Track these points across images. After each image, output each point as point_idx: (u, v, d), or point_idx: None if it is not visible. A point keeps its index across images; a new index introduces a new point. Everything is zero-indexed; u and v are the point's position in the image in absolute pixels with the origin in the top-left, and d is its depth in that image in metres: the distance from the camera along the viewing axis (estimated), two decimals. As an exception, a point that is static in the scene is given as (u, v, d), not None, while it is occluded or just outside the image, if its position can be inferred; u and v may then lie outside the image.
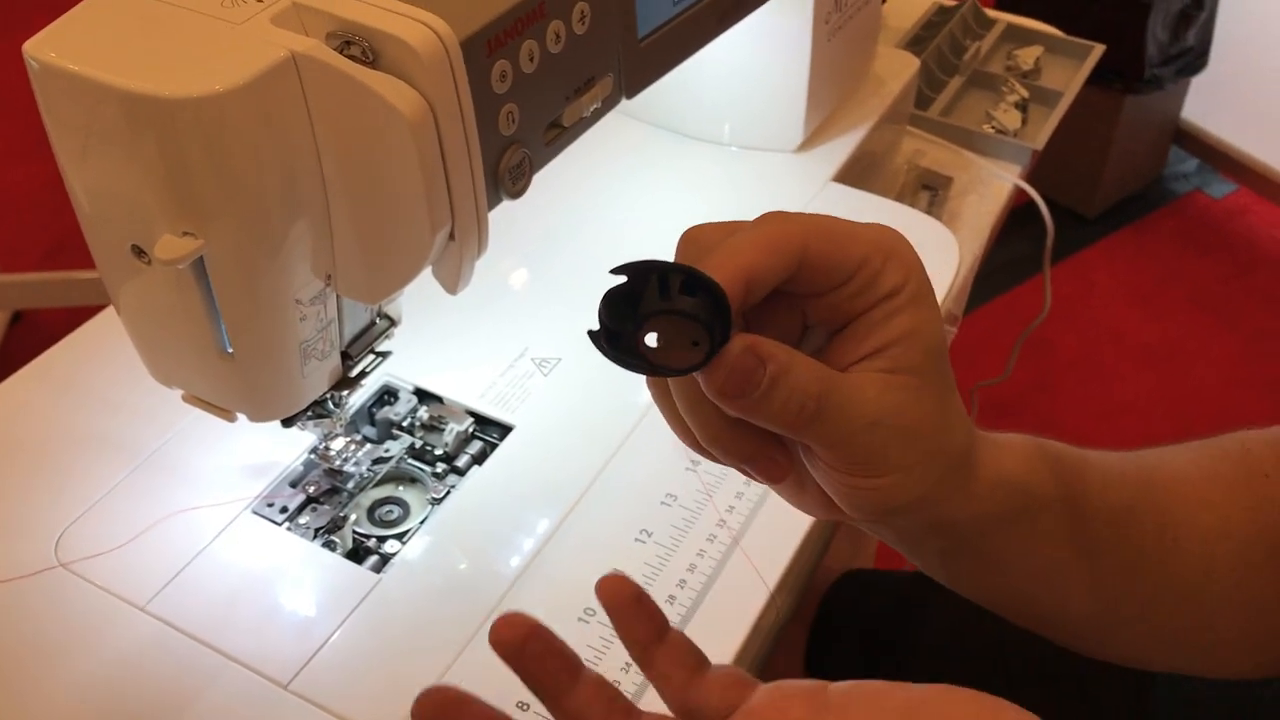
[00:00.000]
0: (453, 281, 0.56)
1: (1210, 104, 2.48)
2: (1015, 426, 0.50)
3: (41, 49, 0.48)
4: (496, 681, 0.41)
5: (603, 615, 0.44)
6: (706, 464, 0.65)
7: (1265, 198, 2.46)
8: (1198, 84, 2.44)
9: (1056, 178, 2.45)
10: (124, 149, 0.48)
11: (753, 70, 0.87)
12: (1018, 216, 1.11)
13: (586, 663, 0.40)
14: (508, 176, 0.56)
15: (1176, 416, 2.00)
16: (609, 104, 0.62)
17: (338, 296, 0.56)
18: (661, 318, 0.37)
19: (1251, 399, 2.03)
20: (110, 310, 0.76)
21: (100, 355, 0.75)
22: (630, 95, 0.64)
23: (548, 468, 0.69)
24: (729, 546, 0.65)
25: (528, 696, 0.42)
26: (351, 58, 0.49)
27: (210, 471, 0.68)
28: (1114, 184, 2.41)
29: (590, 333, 0.39)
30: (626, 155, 0.92)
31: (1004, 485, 0.46)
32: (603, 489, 0.68)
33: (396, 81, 0.49)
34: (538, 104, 0.57)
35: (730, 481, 0.68)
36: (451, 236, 0.54)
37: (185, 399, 0.59)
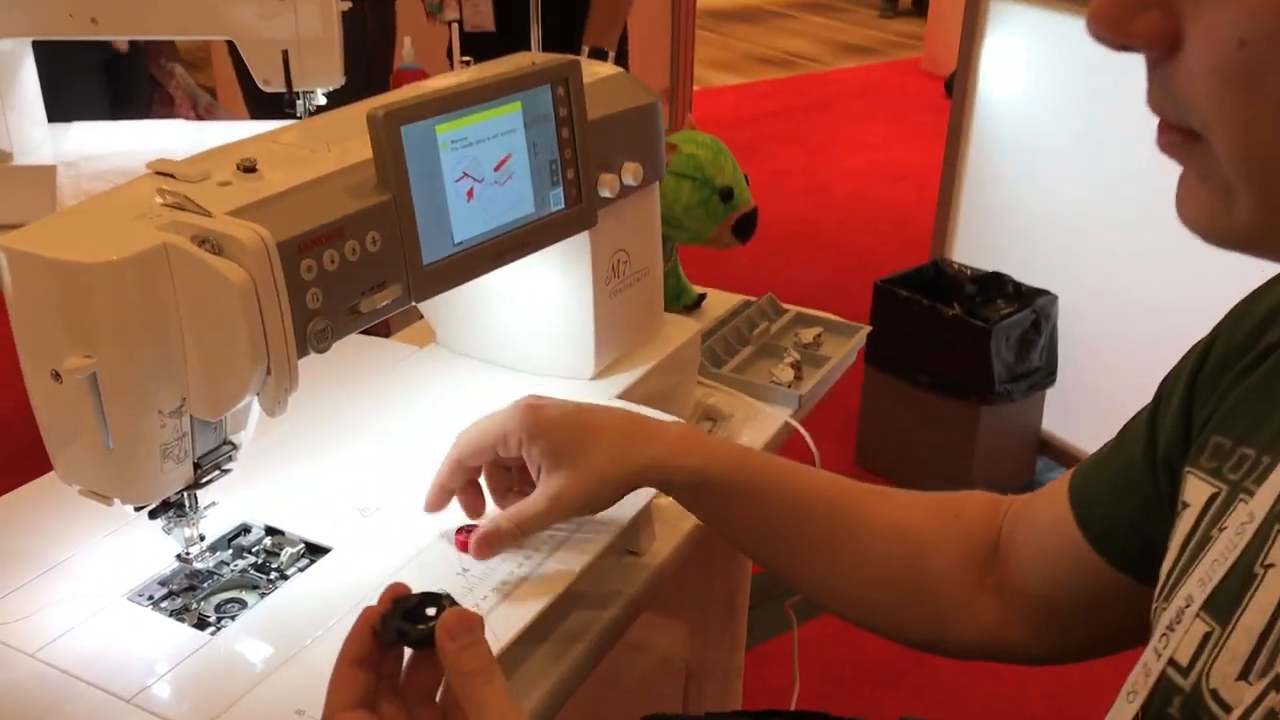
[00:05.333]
0: (270, 407, 0.83)
1: (1067, 416, 2.81)
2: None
3: (8, 242, 0.77)
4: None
5: None
6: (473, 568, 0.90)
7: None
8: (1053, 397, 2.78)
9: (932, 483, 2.74)
10: (50, 298, 0.76)
11: (551, 315, 1.17)
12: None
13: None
14: (313, 337, 0.84)
15: None
16: (399, 303, 0.91)
17: (191, 416, 0.83)
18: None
19: None
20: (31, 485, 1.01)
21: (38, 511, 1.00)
22: (418, 300, 0.93)
23: (350, 576, 0.92)
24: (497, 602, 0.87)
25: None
26: (205, 248, 0.78)
27: (99, 572, 0.91)
28: (985, 488, 2.69)
29: (389, 630, 0.68)
30: (458, 378, 1.20)
31: (685, 470, 0.89)
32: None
33: (231, 264, 0.77)
34: (337, 293, 0.86)
35: (486, 582, 0.91)
36: (269, 372, 0.81)
37: (81, 493, 0.83)
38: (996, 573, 0.86)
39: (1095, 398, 2.74)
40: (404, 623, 0.68)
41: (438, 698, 0.69)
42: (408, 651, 0.70)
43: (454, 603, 0.70)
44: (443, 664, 0.66)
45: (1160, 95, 0.49)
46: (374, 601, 0.71)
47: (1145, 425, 0.75)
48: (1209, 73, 0.46)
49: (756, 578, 1.63)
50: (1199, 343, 0.70)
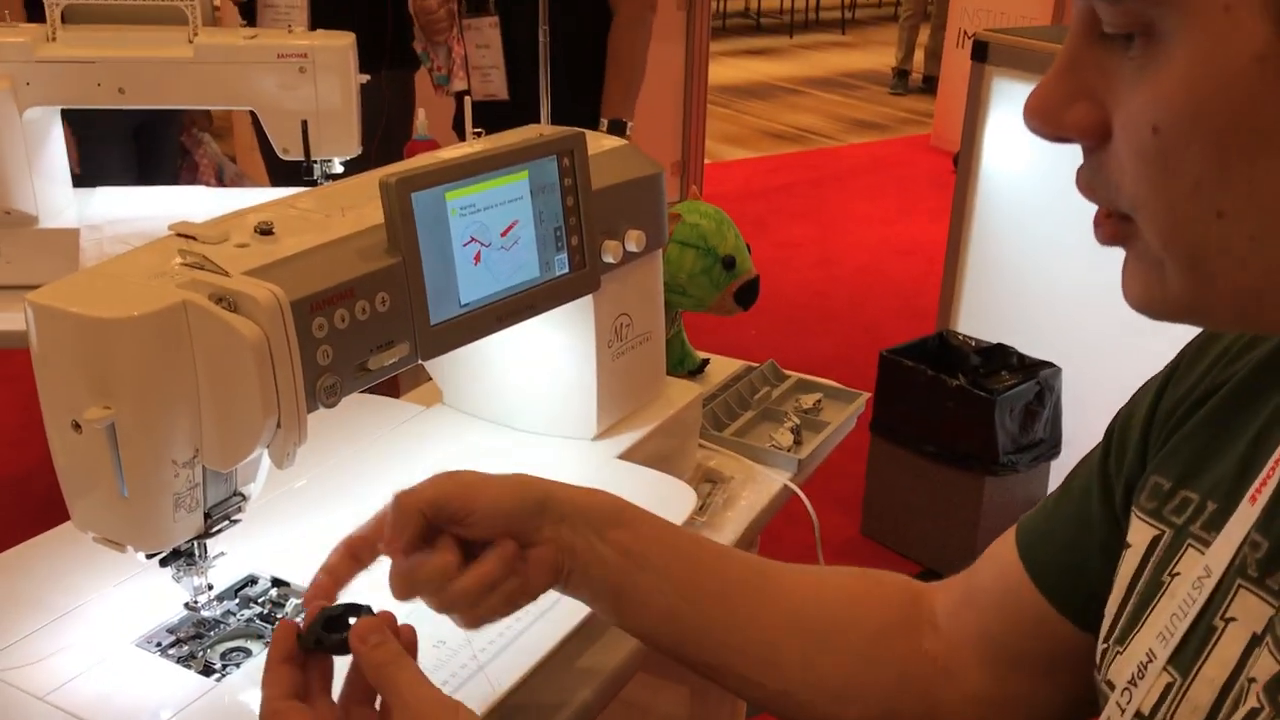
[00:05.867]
0: (280, 459, 0.86)
1: (1072, 489, 2.82)
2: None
3: (35, 298, 0.81)
4: None
5: None
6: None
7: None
8: (1059, 470, 2.79)
9: (935, 552, 2.76)
10: (73, 351, 0.79)
11: (555, 376, 1.21)
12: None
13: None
14: (323, 392, 0.87)
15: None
16: (406, 362, 0.95)
17: (203, 467, 0.86)
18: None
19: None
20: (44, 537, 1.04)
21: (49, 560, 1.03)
22: (424, 359, 0.97)
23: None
24: (475, 671, 0.89)
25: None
26: (222, 306, 0.82)
27: (109, 619, 0.94)
28: (990, 557, 2.70)
29: (310, 637, 0.72)
30: (463, 436, 1.23)
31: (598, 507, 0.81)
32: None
33: (246, 320, 0.81)
34: (347, 350, 0.89)
35: (482, 636, 0.93)
36: (279, 425, 0.84)
37: (95, 539, 0.86)
38: (939, 646, 0.81)
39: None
40: (323, 632, 0.72)
41: (377, 704, 0.72)
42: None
43: (372, 614, 0.73)
44: (360, 665, 0.70)
45: (1093, 181, 0.53)
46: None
47: (1096, 470, 0.74)
48: (1133, 158, 0.49)
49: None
50: (1152, 380, 0.72)
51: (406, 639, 0.72)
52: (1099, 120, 0.51)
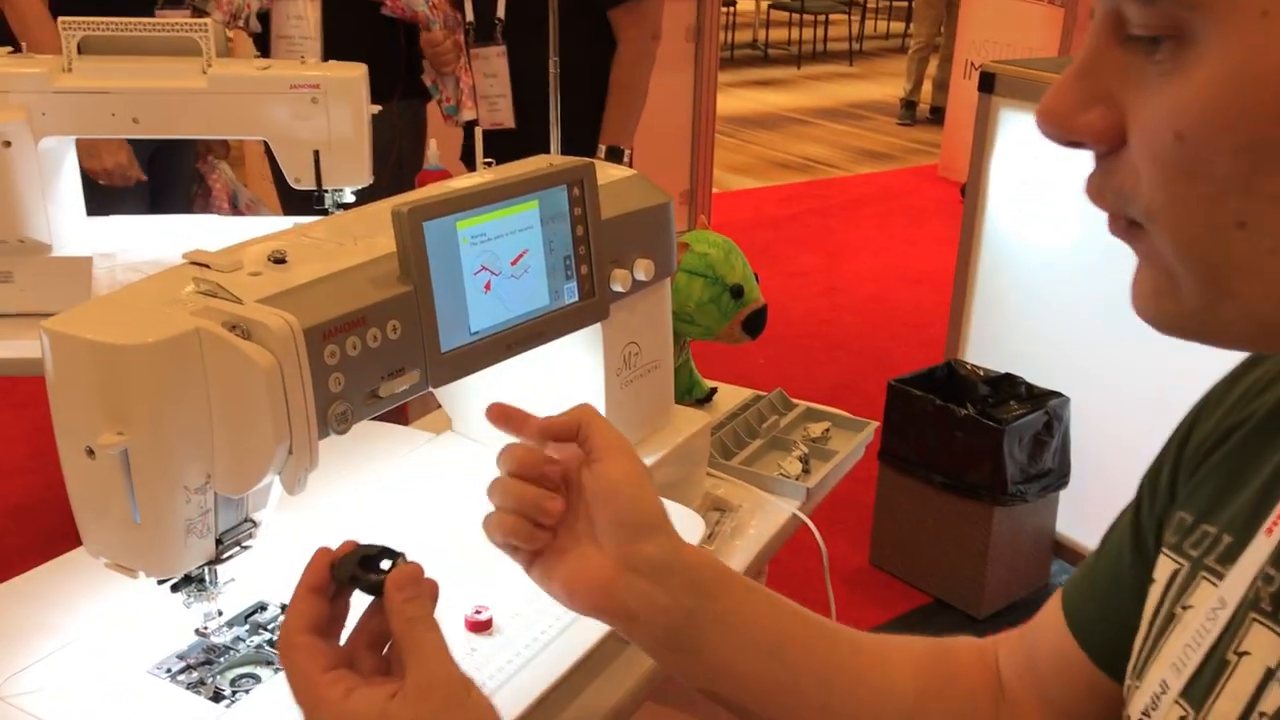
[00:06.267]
0: (290, 484, 0.86)
1: (1081, 518, 2.81)
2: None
3: (50, 325, 0.82)
4: None
5: None
6: (480, 649, 0.92)
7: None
8: (1067, 499, 2.78)
9: (944, 582, 2.75)
10: (87, 378, 0.80)
11: (564, 404, 1.21)
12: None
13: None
14: (334, 419, 0.88)
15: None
16: (417, 389, 0.95)
17: (215, 493, 0.86)
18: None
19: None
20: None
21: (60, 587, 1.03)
22: (435, 386, 0.98)
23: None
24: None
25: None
26: (235, 333, 0.82)
27: (120, 645, 0.94)
28: (999, 588, 2.69)
29: (343, 572, 0.70)
30: (471, 463, 1.23)
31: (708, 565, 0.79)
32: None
33: (259, 348, 0.82)
34: (358, 378, 0.90)
35: (487, 667, 0.93)
36: (291, 451, 0.85)
37: (107, 565, 0.87)
38: (1009, 712, 0.81)
39: (1109, 501, 2.71)
40: (358, 569, 0.70)
41: (384, 651, 0.70)
42: (360, 605, 0.72)
43: (407, 562, 0.71)
44: (388, 611, 0.68)
45: (1103, 187, 0.51)
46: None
47: (1130, 525, 0.74)
48: (1150, 164, 0.48)
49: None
50: (1176, 431, 0.72)
51: (430, 591, 0.70)
52: (1114, 125, 0.49)
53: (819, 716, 0.78)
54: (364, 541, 0.72)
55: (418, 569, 0.70)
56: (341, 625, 0.71)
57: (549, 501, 0.76)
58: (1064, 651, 0.75)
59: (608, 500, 0.77)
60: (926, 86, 8.03)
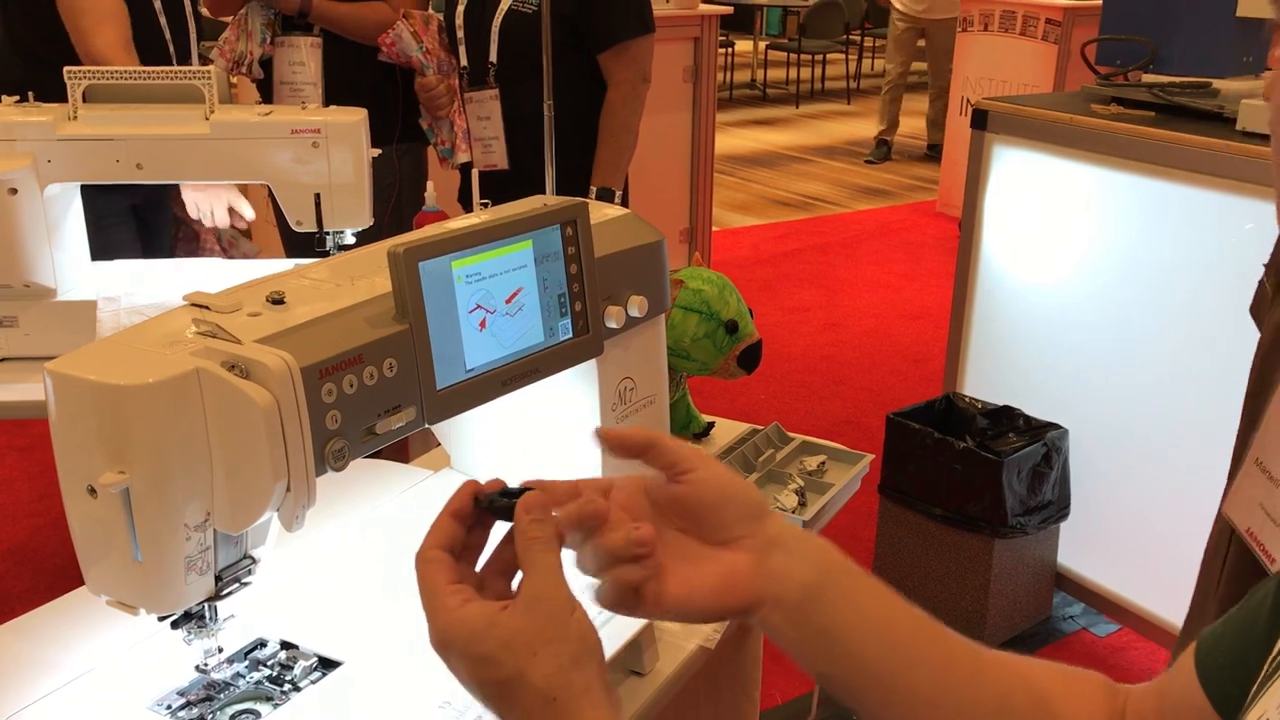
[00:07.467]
0: (289, 521, 0.88)
1: (1082, 550, 2.81)
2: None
3: (52, 366, 0.84)
4: None
5: None
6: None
7: (1146, 637, 2.72)
8: (1068, 531, 2.79)
9: (946, 615, 2.74)
10: (90, 418, 0.82)
11: (560, 439, 1.23)
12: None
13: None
14: (331, 456, 0.90)
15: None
16: (413, 426, 0.97)
17: (214, 531, 0.88)
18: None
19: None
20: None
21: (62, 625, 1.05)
22: (430, 423, 0.99)
23: (360, 689, 0.96)
24: (481, 730, 0.91)
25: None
26: (234, 373, 0.84)
27: (121, 682, 0.95)
28: (1001, 621, 2.69)
29: (485, 499, 0.74)
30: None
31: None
32: (391, 701, 0.94)
33: (257, 386, 0.84)
34: (355, 415, 0.92)
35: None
36: (289, 488, 0.87)
37: (109, 603, 0.88)
38: None
39: (1110, 532, 2.75)
40: (497, 496, 0.74)
41: (513, 585, 0.72)
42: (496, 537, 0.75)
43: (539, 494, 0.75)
44: (515, 532, 0.71)
45: None
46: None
47: (1276, 579, 0.71)
48: None
49: (765, 714, 1.64)
50: None
51: (557, 522, 0.72)
52: None
53: (928, 713, 0.78)
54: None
55: (548, 499, 0.73)
56: (477, 555, 0.75)
57: (637, 533, 0.74)
58: (1195, 702, 0.73)
59: (726, 498, 0.76)
60: (907, 123, 8.10)
